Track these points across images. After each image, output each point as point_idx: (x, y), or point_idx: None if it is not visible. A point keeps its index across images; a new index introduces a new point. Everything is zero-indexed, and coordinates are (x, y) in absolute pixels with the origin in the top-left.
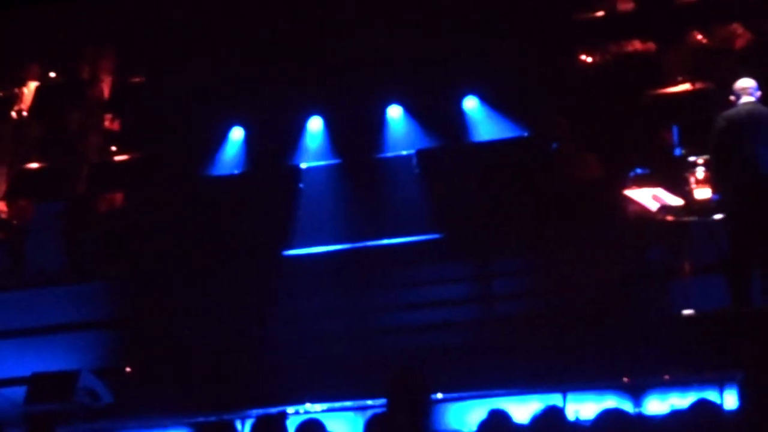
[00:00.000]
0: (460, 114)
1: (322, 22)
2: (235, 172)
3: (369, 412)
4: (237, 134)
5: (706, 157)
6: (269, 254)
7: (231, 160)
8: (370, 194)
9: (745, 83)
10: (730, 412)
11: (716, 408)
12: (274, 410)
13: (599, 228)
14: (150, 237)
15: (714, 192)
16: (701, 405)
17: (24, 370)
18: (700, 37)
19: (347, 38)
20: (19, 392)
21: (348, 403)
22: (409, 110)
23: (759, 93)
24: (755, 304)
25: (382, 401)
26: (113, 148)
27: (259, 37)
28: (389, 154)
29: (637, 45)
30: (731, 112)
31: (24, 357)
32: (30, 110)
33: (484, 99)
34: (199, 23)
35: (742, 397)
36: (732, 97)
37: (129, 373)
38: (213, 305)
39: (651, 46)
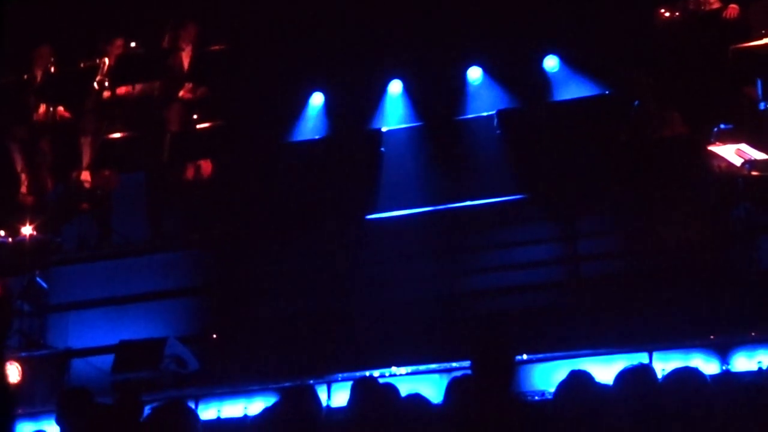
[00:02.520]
0: (541, 73)
1: None
2: (316, 137)
3: (453, 375)
4: (317, 100)
5: None
6: (352, 219)
7: (311, 125)
8: (452, 156)
9: None
10: None
11: None
12: (359, 374)
13: (683, 185)
14: (233, 204)
15: None
16: None
17: (111, 338)
18: None
19: (426, 0)
20: (107, 361)
21: (432, 366)
22: (489, 71)
23: None
24: None
25: (466, 364)
26: (195, 117)
27: (339, 1)
28: (470, 116)
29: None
30: None
31: (111, 326)
32: (112, 81)
33: (564, 58)
34: None
35: None
36: None
37: (215, 339)
38: (298, 271)
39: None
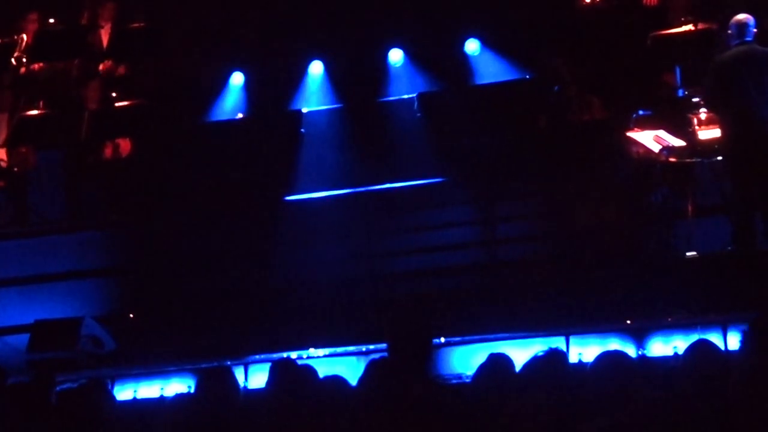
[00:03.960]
0: (462, 56)
1: None
2: (236, 117)
3: (371, 357)
4: (237, 79)
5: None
6: (271, 200)
7: (232, 105)
8: (372, 138)
9: (743, 20)
10: (732, 353)
11: (716, 349)
12: (276, 356)
13: (602, 170)
14: (151, 183)
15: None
16: (700, 346)
17: (27, 318)
18: None
19: None
20: (22, 340)
21: (350, 348)
22: (410, 53)
23: (755, 31)
24: (758, 247)
25: (384, 346)
26: (114, 95)
27: None
28: (391, 98)
29: None
30: (727, 54)
31: (27, 305)
32: (29, 57)
33: (486, 41)
34: None
35: (749, 339)
36: (730, 31)
37: (132, 319)
38: (215, 251)
39: None
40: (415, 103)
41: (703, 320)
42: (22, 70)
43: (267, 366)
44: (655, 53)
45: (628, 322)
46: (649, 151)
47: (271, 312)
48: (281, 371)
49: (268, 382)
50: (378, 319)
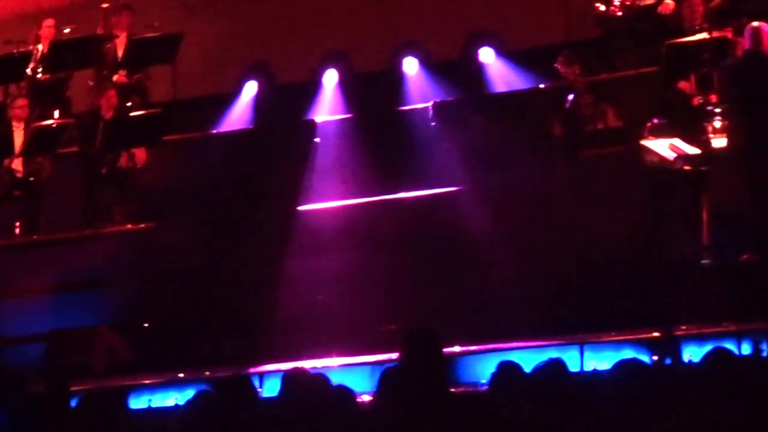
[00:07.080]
0: (477, 66)
1: None
2: (250, 127)
3: (385, 366)
4: (251, 89)
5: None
6: (284, 209)
7: (245, 114)
8: (387, 148)
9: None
10: (747, 361)
11: (731, 356)
12: (290, 365)
13: (616, 178)
14: (165, 192)
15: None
16: (715, 354)
17: (43, 327)
18: None
19: None
20: (38, 349)
21: (365, 358)
22: (425, 63)
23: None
24: None
25: (397, 356)
26: (129, 104)
27: None
28: (405, 108)
29: None
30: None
31: (43, 314)
32: (45, 67)
33: (500, 50)
34: None
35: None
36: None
37: (147, 329)
38: (230, 261)
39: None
40: (430, 113)
41: (717, 329)
42: (38, 79)
43: (280, 375)
44: (670, 61)
45: (643, 331)
46: (664, 159)
47: (285, 322)
48: (293, 381)
49: (279, 392)
50: (393, 329)
